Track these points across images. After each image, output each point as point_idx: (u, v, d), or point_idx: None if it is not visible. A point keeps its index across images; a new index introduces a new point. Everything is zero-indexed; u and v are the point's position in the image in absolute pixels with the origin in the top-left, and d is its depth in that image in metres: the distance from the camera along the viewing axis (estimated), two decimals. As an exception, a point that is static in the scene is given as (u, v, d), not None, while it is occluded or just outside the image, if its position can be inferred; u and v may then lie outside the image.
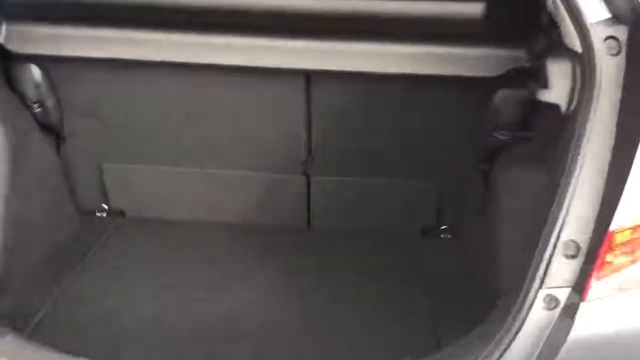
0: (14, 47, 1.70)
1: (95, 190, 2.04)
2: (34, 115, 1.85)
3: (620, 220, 1.06)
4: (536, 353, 1.11)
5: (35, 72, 1.80)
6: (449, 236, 2.00)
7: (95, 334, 1.54)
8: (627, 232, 1.07)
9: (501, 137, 1.73)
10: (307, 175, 1.97)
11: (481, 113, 1.76)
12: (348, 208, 2.00)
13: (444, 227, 2.00)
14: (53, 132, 1.93)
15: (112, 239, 1.97)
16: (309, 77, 1.77)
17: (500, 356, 1.11)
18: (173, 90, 1.85)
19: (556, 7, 1.18)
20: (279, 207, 2.02)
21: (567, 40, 1.17)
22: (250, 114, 1.88)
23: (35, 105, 1.84)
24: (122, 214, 2.08)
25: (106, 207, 2.07)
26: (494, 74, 1.61)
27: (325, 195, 1.99)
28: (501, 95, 1.69)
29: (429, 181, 1.94)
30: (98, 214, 2.07)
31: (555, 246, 1.10)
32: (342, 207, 2.00)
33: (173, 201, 2.04)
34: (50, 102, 1.86)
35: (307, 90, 1.80)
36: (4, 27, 1.68)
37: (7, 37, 1.69)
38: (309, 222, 2.03)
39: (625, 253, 1.08)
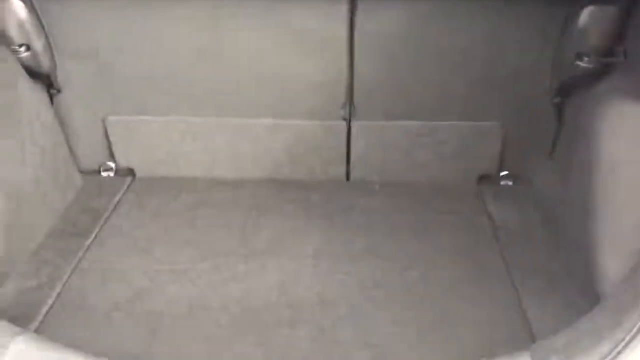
0: None
1: (100, 147, 1.76)
2: (21, 61, 1.54)
3: None
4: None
5: (19, 7, 1.48)
6: (510, 183, 1.75)
7: (120, 320, 1.29)
8: None
9: (584, 65, 1.45)
10: (347, 120, 1.68)
11: (558, 36, 1.48)
12: (394, 157, 1.73)
13: (504, 173, 1.75)
14: (45, 81, 1.63)
15: (124, 203, 1.70)
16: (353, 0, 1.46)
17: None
18: (184, 25, 1.54)
19: None
20: (312, 159, 1.75)
21: None
22: (279, 50, 1.58)
23: (22, 49, 1.53)
24: (132, 172, 1.80)
25: (113, 165, 1.79)
26: None
27: (368, 142, 1.71)
28: (588, 12, 1.40)
29: (488, 122, 1.67)
30: (104, 174, 1.80)
31: None
32: (388, 156, 1.73)
33: (190, 156, 1.76)
34: (39, 45, 1.55)
35: (351, 17, 1.49)
36: None
37: None
38: (348, 175, 1.76)
39: None
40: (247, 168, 1.76)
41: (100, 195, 1.71)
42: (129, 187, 1.76)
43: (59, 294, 1.37)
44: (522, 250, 1.48)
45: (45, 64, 1.58)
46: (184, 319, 1.30)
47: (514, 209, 1.65)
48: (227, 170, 1.76)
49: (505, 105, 1.64)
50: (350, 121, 1.68)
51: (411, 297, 1.36)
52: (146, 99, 1.68)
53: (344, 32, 1.51)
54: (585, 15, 1.41)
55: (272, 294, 1.36)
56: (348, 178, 1.76)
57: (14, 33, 1.51)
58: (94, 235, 1.55)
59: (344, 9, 1.48)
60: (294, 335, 1.26)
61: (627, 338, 0.90)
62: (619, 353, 0.90)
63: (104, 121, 1.71)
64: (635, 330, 0.90)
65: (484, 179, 1.75)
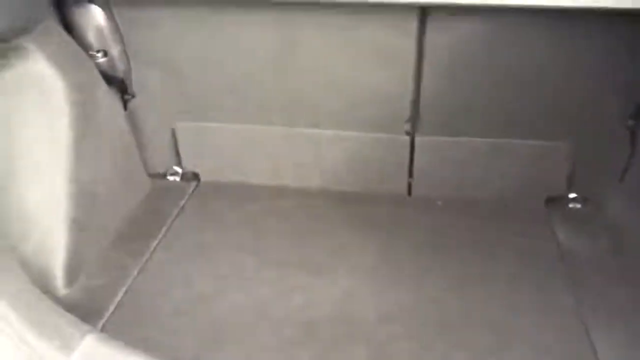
0: None
1: (167, 151, 1.80)
2: (98, 67, 1.60)
3: None
4: None
5: (98, 14, 1.54)
6: (579, 206, 1.70)
7: (184, 325, 1.32)
8: None
9: None
10: (410, 134, 1.67)
11: (633, 57, 1.43)
12: (457, 175, 1.70)
13: (573, 195, 1.70)
14: (120, 86, 1.68)
15: (188, 207, 1.73)
16: (424, 12, 1.45)
17: None
18: (257, 33, 1.56)
19: None
20: (375, 172, 1.74)
21: None
22: (346, 62, 1.58)
23: (99, 55, 1.59)
24: (196, 177, 1.83)
25: (179, 170, 1.83)
26: None
27: (431, 158, 1.70)
28: None
29: (557, 141, 1.63)
30: (170, 178, 1.84)
31: None
32: (451, 173, 1.71)
33: (254, 164, 1.78)
34: (115, 51, 1.60)
35: (420, 31, 1.48)
36: None
37: None
38: (409, 189, 1.75)
39: None
40: (310, 178, 1.77)
41: (166, 198, 1.75)
42: (193, 191, 1.79)
43: (124, 295, 1.40)
44: (589, 278, 1.43)
45: (120, 70, 1.63)
46: (246, 328, 1.31)
47: (582, 233, 1.59)
48: (290, 179, 1.78)
49: (576, 125, 1.59)
50: (414, 135, 1.67)
51: (470, 319, 1.33)
52: (215, 106, 1.71)
53: (412, 46, 1.50)
54: None
55: (331, 308, 1.36)
56: (409, 193, 1.75)
57: (93, 39, 1.57)
58: (159, 238, 1.59)
59: (413, 23, 1.47)
60: (352, 352, 1.25)
61: None
62: None
63: (172, 126, 1.76)
64: None
65: (551, 200, 1.70)
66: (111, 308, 1.36)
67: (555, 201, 1.70)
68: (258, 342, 1.27)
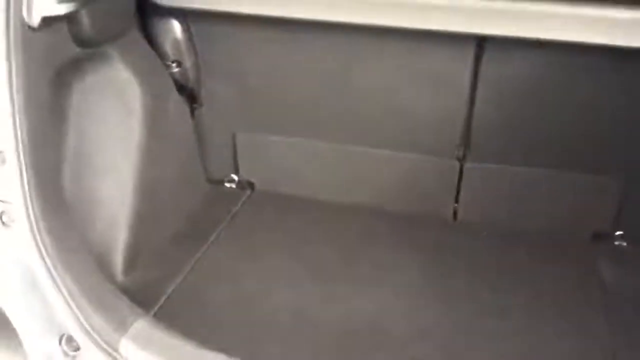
0: None
1: (226, 159, 1.91)
2: (172, 76, 1.72)
3: None
4: None
5: (177, 27, 1.67)
6: (625, 244, 1.70)
7: (227, 320, 1.40)
8: None
9: None
10: (460, 160, 1.72)
11: None
12: (504, 203, 1.74)
13: (619, 232, 1.70)
14: (189, 95, 1.80)
15: (242, 213, 1.83)
16: (482, 44, 1.51)
17: None
18: (321, 54, 1.66)
19: None
20: (423, 194, 1.79)
21: None
22: (402, 86, 1.65)
23: (174, 65, 1.72)
24: (251, 186, 1.93)
25: (236, 178, 1.94)
26: None
27: (479, 185, 1.74)
28: None
29: (607, 176, 1.64)
30: (227, 185, 1.94)
31: None
32: (498, 201, 1.74)
33: (308, 177, 1.86)
34: (189, 62, 1.73)
35: (476, 60, 1.54)
36: None
37: None
38: (455, 214, 1.79)
39: None
40: (360, 195, 1.84)
41: (222, 203, 1.86)
42: (247, 198, 1.89)
43: (175, 289, 1.50)
44: (631, 319, 1.44)
45: (191, 80, 1.76)
46: (284, 330, 1.38)
47: (627, 273, 1.59)
48: (341, 195, 1.85)
49: (626, 162, 1.60)
50: (463, 161, 1.72)
51: (505, 346, 1.36)
52: (275, 119, 1.81)
53: (467, 74, 1.56)
54: None
55: (370, 319, 1.42)
56: (455, 218, 1.79)
57: (169, 50, 1.70)
58: (212, 239, 1.69)
59: (470, 52, 1.53)
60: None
61: None
62: None
63: (233, 136, 1.86)
64: None
65: (597, 236, 1.71)
66: (162, 299, 1.46)
67: (602, 237, 1.70)
68: (294, 344, 1.34)
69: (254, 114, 1.81)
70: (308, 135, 1.81)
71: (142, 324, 1.17)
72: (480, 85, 1.58)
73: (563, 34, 1.35)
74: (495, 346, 1.36)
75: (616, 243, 1.70)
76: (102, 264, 1.40)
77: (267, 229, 1.75)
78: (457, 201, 1.77)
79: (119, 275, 1.48)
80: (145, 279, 1.50)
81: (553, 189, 1.69)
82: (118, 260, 1.48)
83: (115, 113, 1.52)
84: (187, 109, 1.81)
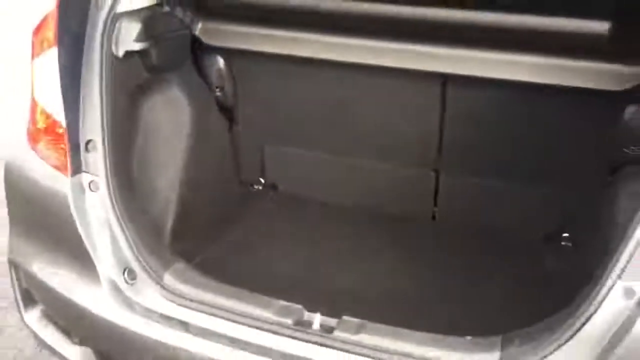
0: (206, 40, 2.10)
1: (255, 166, 2.41)
2: (215, 98, 2.24)
3: None
4: (611, 333, 1.23)
5: (220, 61, 2.20)
6: (570, 244, 2.08)
7: (244, 277, 1.84)
8: None
9: (631, 153, 1.79)
10: (436, 171, 2.17)
11: (611, 127, 1.85)
12: (473, 208, 2.16)
13: (565, 234, 2.09)
14: (227, 114, 2.31)
15: (265, 208, 2.33)
16: (446, 81, 1.97)
17: (578, 330, 1.25)
18: (327, 86, 2.15)
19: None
20: (408, 198, 2.24)
21: None
22: (389, 112, 2.12)
23: (217, 90, 2.24)
24: (274, 187, 2.42)
25: (262, 181, 2.43)
26: (620, 89, 1.70)
27: (452, 192, 2.18)
28: (630, 110, 1.77)
29: (553, 188, 2.05)
30: (255, 187, 2.44)
31: (637, 246, 1.22)
32: (467, 206, 2.17)
33: (317, 182, 2.34)
34: (229, 88, 2.24)
35: (443, 93, 2.01)
36: (200, 24, 2.09)
37: (201, 32, 2.09)
38: (433, 216, 2.23)
39: None
40: (357, 197, 2.29)
41: (250, 201, 2.35)
42: (270, 198, 2.38)
43: (205, 256, 1.97)
44: (566, 297, 1.79)
45: (230, 103, 2.27)
46: (285, 287, 1.81)
47: (568, 267, 1.97)
48: (342, 197, 2.30)
49: (565, 177, 2.00)
50: (439, 173, 2.16)
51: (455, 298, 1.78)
52: (294, 136, 2.30)
53: (437, 103, 2.02)
54: (628, 113, 1.77)
55: (350, 285, 1.88)
56: (433, 218, 2.23)
57: (213, 78, 2.22)
58: (238, 226, 2.18)
59: (438, 87, 2.00)
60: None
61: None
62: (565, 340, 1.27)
63: (262, 148, 2.36)
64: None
65: (548, 237, 2.09)
66: (195, 260, 1.93)
67: (551, 238, 2.09)
68: (290, 296, 1.74)
69: (277, 131, 2.31)
70: (319, 149, 2.29)
71: (180, 266, 1.66)
72: (447, 112, 2.04)
73: (500, 74, 1.81)
74: (447, 302, 1.78)
75: (562, 243, 2.09)
76: (155, 232, 1.90)
77: (283, 220, 2.23)
78: (435, 205, 2.21)
79: (166, 243, 1.97)
80: (184, 248, 1.97)
81: (512, 197, 2.10)
82: (167, 232, 1.97)
83: (170, 123, 2.03)
84: (225, 125, 2.32)
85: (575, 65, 1.77)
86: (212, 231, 2.12)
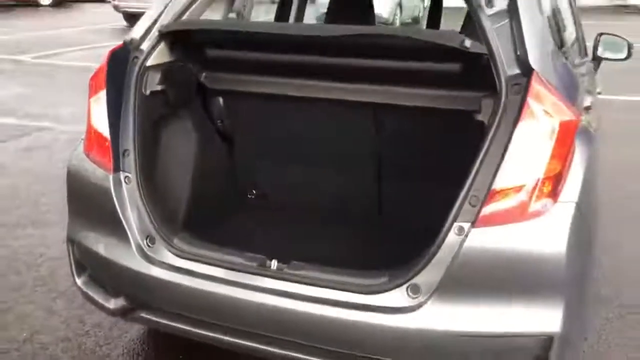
0: (209, 84, 2.91)
1: (249, 179, 3.18)
2: (217, 128, 3.04)
3: (498, 184, 1.90)
4: (450, 257, 1.95)
5: (220, 100, 2.99)
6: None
7: (230, 243, 2.55)
8: (505, 192, 1.90)
9: None
10: (378, 180, 2.92)
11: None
12: (407, 205, 2.90)
13: None
14: (226, 140, 3.10)
15: (257, 209, 3.10)
16: (376, 109, 2.75)
17: (429, 260, 1.97)
18: (299, 116, 2.93)
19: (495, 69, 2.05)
20: (357, 199, 2.99)
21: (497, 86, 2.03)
22: (339, 134, 2.89)
23: (218, 122, 3.03)
24: (265, 197, 3.18)
25: (255, 191, 3.20)
26: (469, 109, 2.35)
27: (392, 195, 2.92)
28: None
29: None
30: (249, 196, 3.21)
31: (465, 198, 1.95)
32: (403, 203, 2.91)
33: (298, 191, 3.09)
34: (227, 120, 3.03)
35: (375, 118, 2.79)
36: (204, 73, 2.90)
37: (206, 79, 2.90)
38: (379, 212, 2.97)
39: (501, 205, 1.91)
40: (322, 200, 3.04)
41: (245, 207, 3.12)
42: (261, 204, 3.14)
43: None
44: None
45: (228, 131, 3.04)
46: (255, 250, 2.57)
47: None
48: (314, 200, 3.05)
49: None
50: (379, 180, 2.90)
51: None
52: (280, 155, 3.06)
53: (372, 126, 2.78)
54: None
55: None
56: (380, 213, 2.96)
57: (215, 112, 2.98)
58: (233, 220, 2.95)
59: (371, 113, 2.76)
60: None
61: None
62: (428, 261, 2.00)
63: (255, 164, 3.13)
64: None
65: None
66: None
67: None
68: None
69: (267, 152, 3.09)
70: (299, 164, 3.05)
71: (186, 233, 2.42)
72: (382, 132, 2.80)
73: (404, 102, 2.58)
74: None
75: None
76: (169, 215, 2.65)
77: (269, 219, 2.99)
78: (379, 200, 2.95)
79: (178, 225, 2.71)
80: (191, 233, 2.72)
81: (434, 196, 2.82)
82: (178, 221, 2.73)
83: (182, 146, 2.80)
84: (224, 148, 3.10)
85: (438, 92, 2.52)
86: (213, 221, 2.87)
